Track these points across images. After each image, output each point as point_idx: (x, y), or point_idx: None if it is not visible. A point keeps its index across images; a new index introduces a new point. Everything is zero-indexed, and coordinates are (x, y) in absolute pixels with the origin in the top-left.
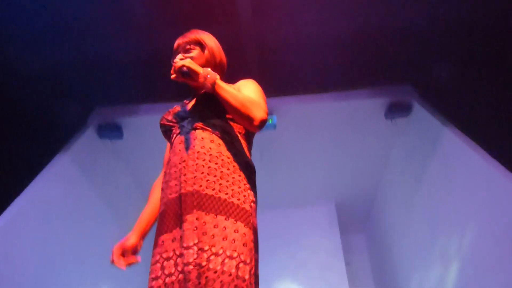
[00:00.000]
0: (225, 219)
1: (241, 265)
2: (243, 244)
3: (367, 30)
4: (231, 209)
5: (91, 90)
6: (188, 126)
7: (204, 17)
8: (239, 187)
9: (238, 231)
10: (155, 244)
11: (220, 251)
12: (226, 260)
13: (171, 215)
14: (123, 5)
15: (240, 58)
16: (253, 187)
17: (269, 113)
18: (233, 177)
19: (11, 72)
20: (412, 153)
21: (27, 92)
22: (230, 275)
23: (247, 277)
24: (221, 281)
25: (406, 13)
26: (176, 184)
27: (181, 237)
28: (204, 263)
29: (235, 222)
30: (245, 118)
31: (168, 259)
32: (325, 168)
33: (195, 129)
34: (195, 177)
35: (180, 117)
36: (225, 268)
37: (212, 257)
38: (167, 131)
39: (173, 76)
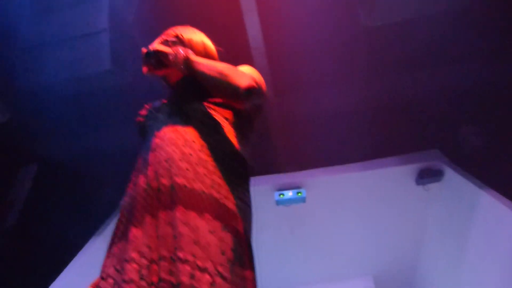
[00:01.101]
0: (198, 216)
1: (217, 280)
2: (221, 252)
3: (391, 99)
4: (207, 203)
5: None
6: (163, 115)
7: None
8: (220, 178)
9: (214, 233)
10: (123, 237)
11: (190, 259)
12: (197, 273)
13: (140, 208)
14: None
15: (267, 136)
16: (242, 182)
17: (298, 187)
18: (214, 166)
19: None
20: (450, 219)
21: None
22: None
23: None
24: None
25: (431, 80)
26: (148, 175)
27: (158, 237)
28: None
29: (211, 220)
30: (227, 88)
31: (148, 266)
32: (359, 239)
33: (170, 116)
34: (169, 167)
35: (156, 109)
36: (195, 284)
37: (180, 265)
38: (142, 129)
39: (144, 69)
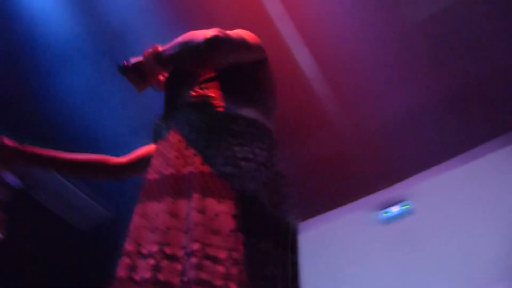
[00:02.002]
0: (187, 201)
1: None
2: (212, 232)
3: (464, 85)
4: (195, 183)
5: None
6: (163, 121)
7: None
8: (218, 149)
9: (200, 209)
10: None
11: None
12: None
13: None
14: None
15: (347, 159)
16: (245, 141)
17: (401, 200)
18: (199, 142)
19: None
20: None
21: None
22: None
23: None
24: None
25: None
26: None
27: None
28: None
29: (197, 198)
30: (190, 51)
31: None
32: (488, 238)
33: (166, 120)
34: (176, 157)
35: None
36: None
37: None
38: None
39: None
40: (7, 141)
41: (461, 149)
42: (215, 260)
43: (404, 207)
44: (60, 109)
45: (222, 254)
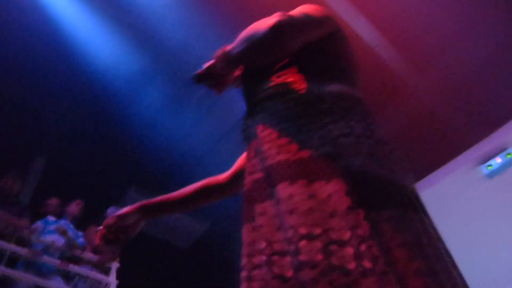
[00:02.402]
0: (289, 185)
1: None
2: (330, 215)
3: None
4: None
5: None
6: (249, 116)
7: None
8: (311, 131)
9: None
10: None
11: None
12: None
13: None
14: None
15: (437, 116)
16: (335, 119)
17: (503, 149)
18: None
19: None
20: None
21: None
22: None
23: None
24: None
25: None
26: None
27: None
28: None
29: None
30: (259, 43)
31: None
32: None
33: (251, 111)
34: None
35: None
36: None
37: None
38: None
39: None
40: (127, 209)
41: None
42: (340, 243)
43: (508, 156)
44: (138, 132)
45: (346, 235)
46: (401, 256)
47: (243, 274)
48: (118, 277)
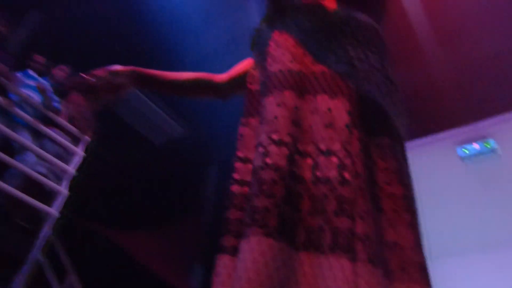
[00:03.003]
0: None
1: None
2: (325, 125)
3: None
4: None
5: None
6: (267, 21)
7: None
8: (330, 48)
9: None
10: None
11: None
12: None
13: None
14: None
15: (435, 90)
16: (364, 44)
17: (484, 137)
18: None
19: None
20: None
21: None
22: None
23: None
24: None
25: None
26: None
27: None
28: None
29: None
30: None
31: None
32: None
33: (273, 17)
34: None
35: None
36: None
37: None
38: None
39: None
40: (119, 67)
41: None
42: (328, 153)
43: (486, 145)
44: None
45: (336, 146)
46: (382, 178)
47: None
48: (85, 152)
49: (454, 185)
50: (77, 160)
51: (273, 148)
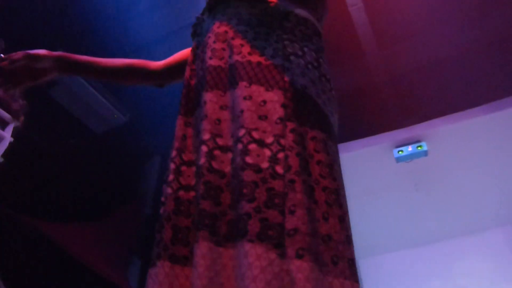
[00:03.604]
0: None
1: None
2: (258, 117)
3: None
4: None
5: None
6: (208, 11)
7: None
8: (268, 40)
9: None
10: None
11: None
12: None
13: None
14: None
15: (374, 93)
16: (302, 40)
17: (418, 140)
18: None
19: None
20: None
21: None
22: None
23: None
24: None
25: None
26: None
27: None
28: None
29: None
30: None
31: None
32: (492, 187)
33: (214, 7)
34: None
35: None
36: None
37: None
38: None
39: None
40: (43, 52)
41: (485, 99)
42: (261, 143)
43: (418, 148)
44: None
45: (269, 139)
46: (317, 171)
47: (172, 166)
48: (13, 136)
49: (389, 185)
50: (3, 145)
51: (204, 148)
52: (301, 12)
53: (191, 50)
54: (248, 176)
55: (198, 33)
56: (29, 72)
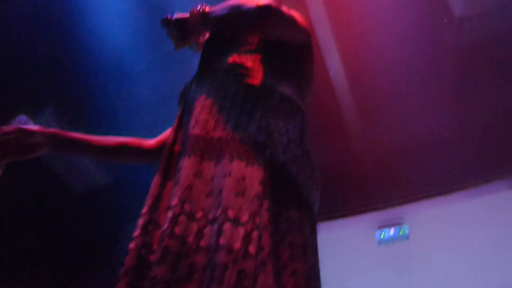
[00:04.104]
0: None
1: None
2: (236, 193)
3: (489, 118)
4: (225, 148)
5: None
6: (194, 84)
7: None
8: (252, 117)
9: (231, 176)
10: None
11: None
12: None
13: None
14: None
15: (357, 172)
16: (285, 118)
17: (400, 223)
18: (229, 111)
19: None
20: None
21: None
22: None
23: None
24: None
25: None
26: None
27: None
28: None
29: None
30: (240, 15)
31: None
32: (476, 274)
33: (197, 82)
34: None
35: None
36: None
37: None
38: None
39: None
40: (36, 128)
41: (471, 183)
42: (236, 222)
43: (400, 231)
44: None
45: (244, 217)
46: (286, 254)
47: (140, 222)
48: None
49: (371, 266)
50: None
51: (169, 213)
52: (285, 90)
53: (177, 117)
54: (220, 258)
55: (185, 101)
56: (19, 146)
